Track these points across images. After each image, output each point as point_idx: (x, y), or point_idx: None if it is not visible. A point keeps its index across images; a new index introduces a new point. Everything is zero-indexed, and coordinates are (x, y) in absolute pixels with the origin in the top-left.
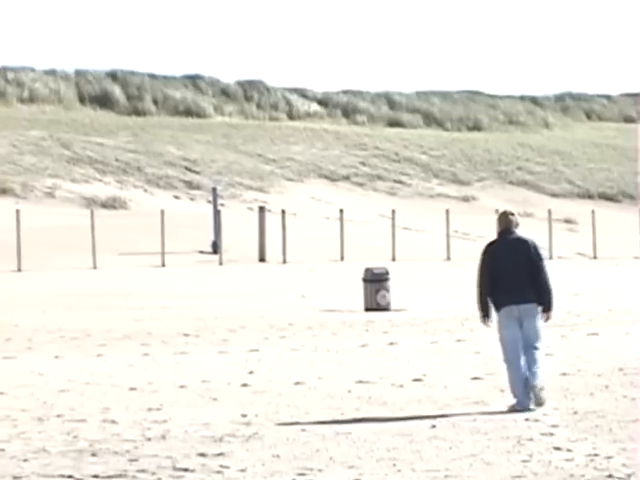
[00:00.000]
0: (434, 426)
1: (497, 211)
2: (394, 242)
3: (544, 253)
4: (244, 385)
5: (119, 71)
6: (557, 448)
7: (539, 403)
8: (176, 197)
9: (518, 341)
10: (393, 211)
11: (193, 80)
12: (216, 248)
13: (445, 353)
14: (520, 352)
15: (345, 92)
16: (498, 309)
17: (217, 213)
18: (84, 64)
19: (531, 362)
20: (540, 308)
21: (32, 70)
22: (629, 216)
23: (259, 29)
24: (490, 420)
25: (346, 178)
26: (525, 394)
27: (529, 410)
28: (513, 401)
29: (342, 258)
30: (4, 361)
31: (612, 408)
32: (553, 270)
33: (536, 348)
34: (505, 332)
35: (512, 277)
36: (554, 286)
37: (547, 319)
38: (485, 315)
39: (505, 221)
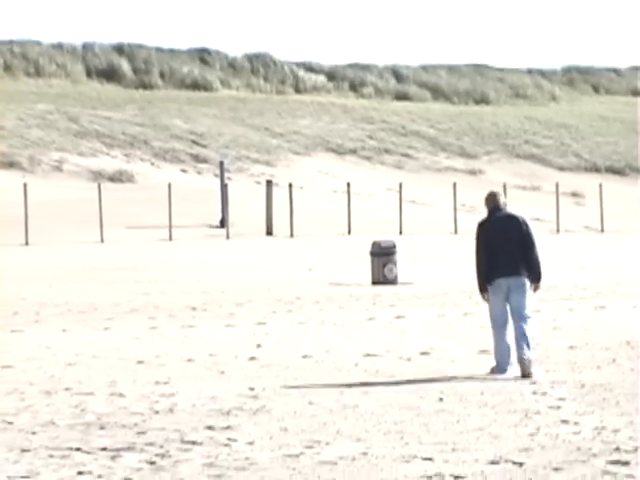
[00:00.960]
0: (441, 399)
1: (504, 185)
2: (401, 216)
3: (532, 228)
4: (251, 358)
5: (126, 45)
6: (564, 421)
7: (525, 374)
8: (183, 171)
9: (504, 313)
10: (400, 185)
11: (200, 53)
12: (223, 222)
13: (452, 326)
14: (505, 324)
15: (352, 65)
16: (490, 282)
17: (224, 187)
18: (91, 37)
19: (520, 337)
20: (529, 281)
21: (38, 44)
22: (636, 189)
23: (266, 2)
24: (497, 393)
25: (353, 152)
26: (506, 360)
27: (505, 373)
28: (494, 363)
29: (349, 232)
30: (12, 334)
31: (619, 381)
32: (560, 244)
33: (524, 320)
34: (493, 305)
35: (504, 252)
36: (542, 258)
37: (536, 289)
38: (483, 289)
39: (493, 200)
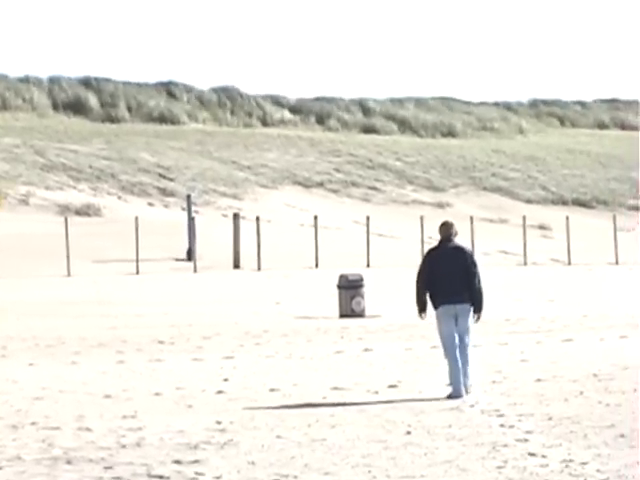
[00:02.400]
0: (409, 432)
1: (471, 218)
2: (369, 249)
3: (477, 261)
4: (219, 392)
5: (92, 78)
6: (532, 454)
7: (467, 392)
8: (150, 204)
9: (454, 335)
10: (367, 217)
11: (167, 87)
12: (190, 255)
13: (420, 359)
14: (456, 345)
15: (319, 99)
16: (437, 307)
17: (191, 220)
18: (57, 71)
19: (464, 361)
20: (472, 309)
21: (5, 77)
22: (603, 222)
23: (233, 36)
24: (465, 426)
25: (320, 185)
26: (460, 384)
27: (461, 397)
28: (450, 389)
29: (317, 265)
30: None
31: (587, 414)
32: (528, 276)
33: (467, 345)
34: (443, 327)
35: (450, 280)
36: (485, 290)
37: (477, 319)
38: (421, 310)
39: (445, 230)
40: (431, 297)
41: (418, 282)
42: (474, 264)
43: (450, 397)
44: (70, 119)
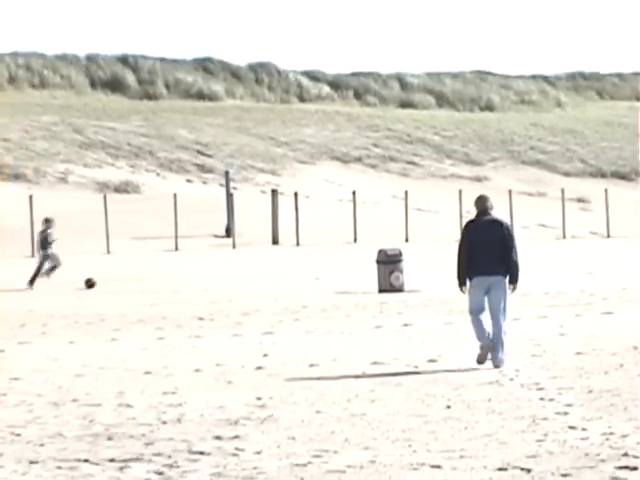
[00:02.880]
0: (449, 407)
1: (509, 192)
2: (407, 223)
3: (513, 233)
4: (258, 368)
5: (130, 56)
6: (572, 427)
7: (496, 365)
8: (189, 181)
9: (482, 303)
10: (406, 192)
11: (204, 63)
12: (229, 231)
13: (459, 334)
14: (481, 311)
15: (356, 74)
16: (471, 278)
17: (230, 196)
18: (95, 49)
19: (497, 331)
20: (507, 281)
21: (43, 55)
22: None
23: (269, 11)
24: (505, 400)
25: (358, 160)
26: (486, 338)
27: (488, 345)
28: (477, 351)
29: (355, 240)
30: (19, 346)
31: (627, 387)
32: (567, 249)
33: (501, 316)
34: (472, 297)
35: (486, 252)
36: (522, 262)
37: (514, 290)
38: (462, 283)
39: (482, 204)
40: (467, 268)
41: (459, 256)
42: (511, 236)
43: (479, 358)
44: (108, 97)
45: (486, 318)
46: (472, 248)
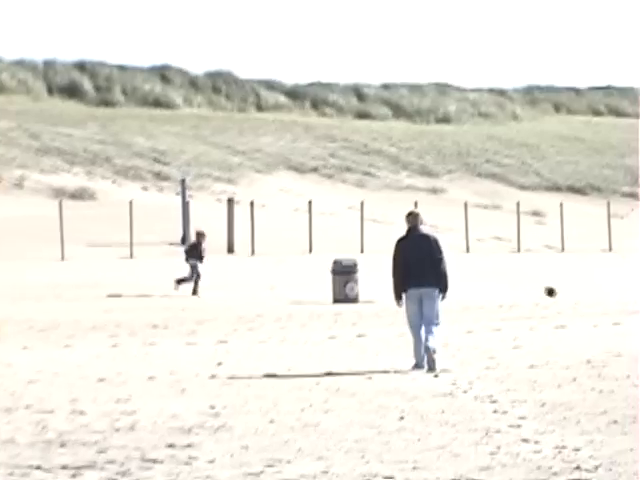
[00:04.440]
0: (402, 418)
1: (465, 204)
2: (362, 234)
3: (443, 246)
4: (213, 376)
5: (87, 62)
6: (525, 440)
7: (432, 368)
8: (144, 188)
9: (418, 316)
10: (362, 203)
11: (161, 71)
12: (185, 240)
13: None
14: (420, 325)
15: (314, 84)
16: (405, 290)
17: (186, 205)
18: (52, 54)
19: (428, 333)
20: (438, 291)
21: (0, 60)
22: (597, 209)
23: (227, 20)
24: (458, 412)
25: (315, 170)
26: (422, 358)
27: (422, 369)
28: (413, 362)
29: (311, 250)
30: None
31: (580, 400)
32: (521, 263)
33: (433, 324)
34: (409, 309)
35: (417, 266)
36: (450, 273)
37: (443, 298)
38: (398, 297)
39: (413, 220)
40: (402, 282)
41: (394, 271)
42: (439, 250)
43: (414, 368)
44: (65, 103)
45: (422, 331)
46: (405, 263)
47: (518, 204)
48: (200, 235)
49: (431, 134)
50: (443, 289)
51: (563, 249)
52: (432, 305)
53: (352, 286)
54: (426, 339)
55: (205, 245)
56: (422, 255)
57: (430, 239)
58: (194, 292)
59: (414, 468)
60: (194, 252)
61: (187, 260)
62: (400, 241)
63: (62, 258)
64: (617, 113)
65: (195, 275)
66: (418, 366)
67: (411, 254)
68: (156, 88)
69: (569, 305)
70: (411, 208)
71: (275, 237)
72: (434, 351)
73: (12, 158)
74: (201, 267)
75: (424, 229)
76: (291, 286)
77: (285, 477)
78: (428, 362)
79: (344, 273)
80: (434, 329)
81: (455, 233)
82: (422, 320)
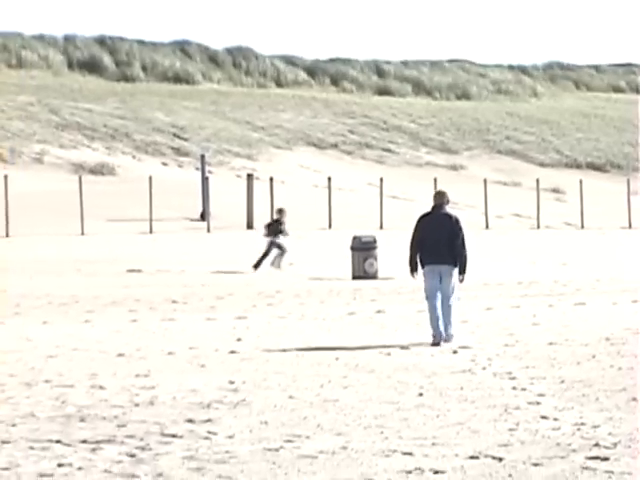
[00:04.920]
0: (421, 394)
1: (485, 181)
2: (382, 210)
3: (463, 227)
4: (232, 352)
5: (107, 37)
6: (544, 417)
7: (447, 341)
8: (164, 164)
9: (436, 290)
10: (381, 179)
11: (181, 46)
12: (204, 215)
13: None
14: (437, 298)
15: (333, 60)
16: (424, 266)
17: (205, 180)
18: (72, 29)
19: (446, 312)
20: (456, 270)
21: (20, 35)
22: (617, 186)
23: None
24: (477, 389)
25: (334, 146)
26: (438, 329)
27: (440, 340)
28: (432, 338)
29: (330, 226)
30: None
31: (599, 377)
32: (541, 240)
33: (449, 300)
34: (427, 283)
35: (437, 243)
36: (469, 252)
37: (462, 280)
38: (413, 270)
39: (439, 198)
40: (420, 257)
41: (411, 244)
42: (460, 230)
43: (433, 341)
44: (85, 78)
45: (439, 304)
46: (424, 238)
47: (538, 181)
48: (281, 212)
49: (451, 111)
50: (462, 270)
51: (583, 226)
52: (449, 282)
53: (371, 262)
54: (446, 321)
55: (284, 220)
56: (442, 233)
57: (452, 219)
58: (256, 266)
59: (433, 444)
60: (273, 228)
61: (266, 236)
62: (423, 217)
63: (82, 233)
64: (637, 90)
65: (268, 250)
66: (435, 337)
67: (432, 230)
68: (176, 63)
69: (588, 282)
70: (431, 188)
71: (294, 213)
72: (451, 336)
73: (32, 133)
74: (284, 242)
75: (448, 209)
76: (310, 262)
77: (304, 452)
78: (447, 339)
79: (363, 249)
80: (451, 309)
81: (475, 210)
82: (440, 296)
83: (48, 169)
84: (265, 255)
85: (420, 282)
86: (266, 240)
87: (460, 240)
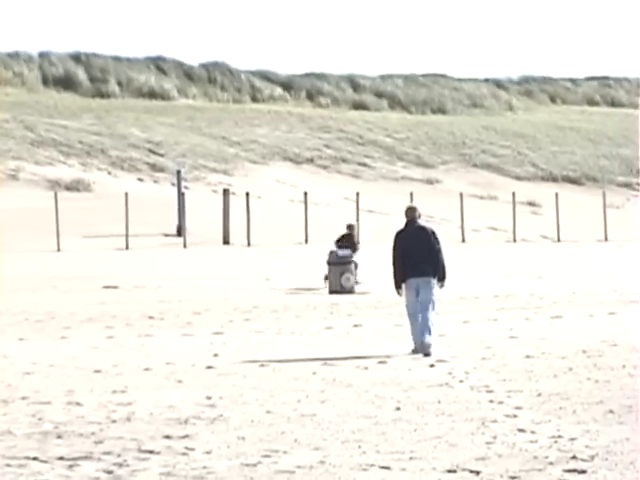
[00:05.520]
0: (399, 408)
1: (461, 194)
2: (358, 225)
3: (439, 238)
4: (209, 367)
5: (82, 53)
6: (521, 430)
7: (427, 354)
8: (140, 180)
9: (416, 303)
10: (357, 194)
11: (156, 62)
12: (180, 231)
13: (410, 336)
14: (417, 311)
15: (309, 75)
16: (404, 280)
17: (181, 196)
18: (47, 46)
19: (424, 323)
20: (435, 280)
21: None
22: (592, 199)
23: (222, 11)
24: (454, 402)
25: (310, 161)
26: (419, 340)
27: (422, 353)
28: (412, 346)
29: (306, 241)
30: None
31: (576, 390)
32: (517, 253)
33: (428, 311)
34: (408, 297)
35: (415, 256)
36: (446, 262)
37: (442, 287)
38: (398, 286)
39: (411, 214)
40: (401, 272)
41: (394, 262)
42: (437, 241)
43: (413, 352)
44: (60, 94)
45: (420, 320)
46: (404, 254)
47: (514, 194)
48: (351, 227)
49: (426, 125)
50: (441, 278)
51: (559, 239)
52: (428, 293)
53: (348, 277)
54: (422, 333)
55: (355, 235)
56: (420, 246)
57: (427, 231)
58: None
59: (410, 458)
60: (345, 243)
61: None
62: (399, 233)
63: (58, 249)
64: (613, 103)
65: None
66: (417, 349)
67: (409, 245)
68: (151, 79)
69: (565, 295)
70: (408, 202)
71: (271, 228)
72: (429, 345)
73: (7, 150)
74: (356, 257)
75: (421, 222)
76: (287, 277)
77: (282, 468)
78: (423, 350)
79: (340, 264)
80: (429, 318)
81: (451, 223)
82: (420, 306)
83: (23, 186)
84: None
85: (401, 297)
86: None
87: (438, 251)
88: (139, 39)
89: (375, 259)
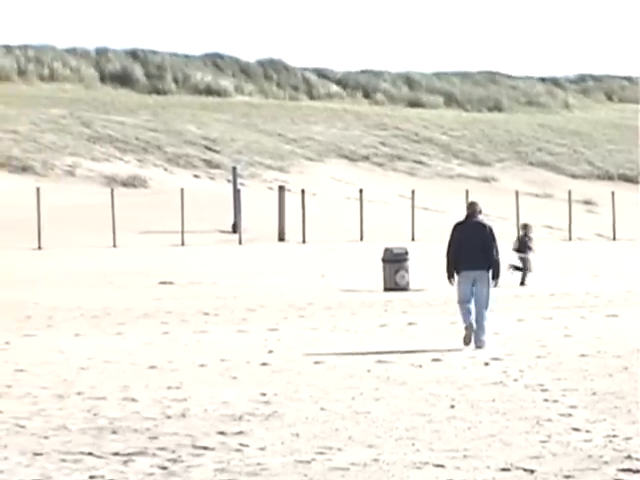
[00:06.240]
0: (453, 406)
1: (516, 192)
2: (413, 222)
3: (495, 235)
4: (263, 364)
5: (139, 50)
6: (575, 429)
7: (479, 347)
8: (196, 176)
9: (468, 293)
10: (413, 191)
11: (213, 59)
12: (236, 227)
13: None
14: (468, 301)
15: (365, 72)
16: (459, 272)
17: (237, 192)
18: (104, 42)
19: (479, 318)
20: (490, 276)
21: (53, 48)
22: None
23: (279, 8)
24: (509, 401)
25: (366, 158)
26: (469, 320)
27: (472, 332)
28: (464, 331)
29: (362, 238)
30: (25, 339)
31: (631, 389)
32: (572, 251)
33: (484, 307)
34: (461, 287)
35: (470, 250)
36: (502, 260)
37: (495, 284)
38: (450, 276)
39: (472, 208)
40: (455, 263)
41: (448, 252)
42: (493, 238)
43: (464, 341)
44: (117, 91)
45: (471, 306)
46: (459, 246)
47: (570, 193)
48: (526, 227)
49: (482, 122)
50: (495, 275)
51: (614, 238)
52: (484, 288)
53: (403, 274)
54: (479, 328)
55: (532, 236)
56: (476, 240)
57: (485, 227)
58: (522, 283)
59: (464, 457)
60: (520, 245)
61: (516, 251)
62: (457, 225)
63: (114, 245)
64: None
65: (525, 266)
66: (467, 329)
67: (466, 238)
68: (208, 76)
69: (620, 294)
70: (463, 200)
71: (326, 225)
72: (483, 343)
73: (64, 146)
74: (533, 259)
75: (481, 218)
76: (342, 274)
77: (336, 465)
78: (477, 344)
79: (395, 261)
80: (484, 314)
81: (506, 222)
82: (475, 302)
83: (80, 182)
84: (524, 270)
85: (453, 291)
86: (517, 256)
87: (493, 247)
88: (196, 36)
89: (430, 256)
